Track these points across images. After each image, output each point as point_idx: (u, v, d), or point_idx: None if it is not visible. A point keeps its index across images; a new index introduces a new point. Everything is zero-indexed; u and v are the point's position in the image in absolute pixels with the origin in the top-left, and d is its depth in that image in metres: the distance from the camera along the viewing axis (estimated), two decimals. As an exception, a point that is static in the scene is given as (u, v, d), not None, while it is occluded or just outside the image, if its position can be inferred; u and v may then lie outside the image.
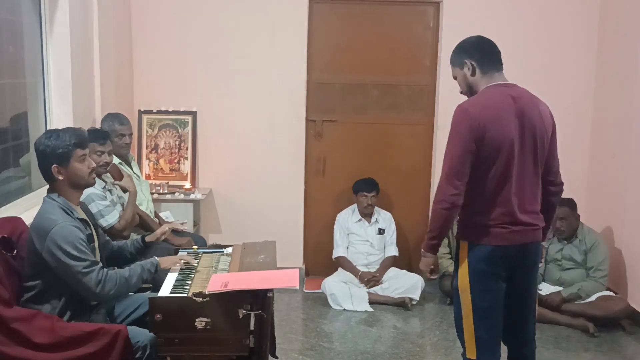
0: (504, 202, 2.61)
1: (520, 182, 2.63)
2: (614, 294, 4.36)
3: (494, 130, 2.55)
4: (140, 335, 2.56)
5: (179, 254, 3.07)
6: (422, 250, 2.77)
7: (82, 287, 2.55)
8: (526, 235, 2.68)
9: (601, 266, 4.29)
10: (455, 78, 2.79)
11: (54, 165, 2.63)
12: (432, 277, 2.90)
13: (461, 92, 2.81)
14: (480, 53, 2.70)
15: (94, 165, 2.77)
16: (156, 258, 2.80)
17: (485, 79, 2.68)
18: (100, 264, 2.62)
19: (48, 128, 3.76)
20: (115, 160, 3.83)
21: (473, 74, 2.69)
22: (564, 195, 4.29)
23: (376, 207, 4.92)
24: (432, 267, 2.82)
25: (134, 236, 3.85)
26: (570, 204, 4.35)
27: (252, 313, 2.50)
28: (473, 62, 2.69)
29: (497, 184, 2.60)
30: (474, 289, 2.66)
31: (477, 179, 2.59)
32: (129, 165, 4.08)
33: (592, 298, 4.28)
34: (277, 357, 3.01)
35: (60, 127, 2.95)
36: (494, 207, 2.61)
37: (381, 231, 4.89)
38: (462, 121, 2.57)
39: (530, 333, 2.84)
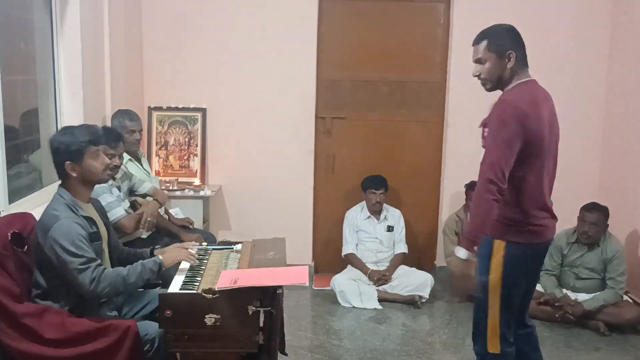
0: (543, 200, 2.66)
1: (548, 179, 2.68)
2: (630, 301, 4.31)
3: (535, 127, 2.55)
4: (149, 328, 2.57)
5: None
6: (465, 249, 2.59)
7: (76, 284, 2.53)
8: (553, 230, 2.76)
9: (620, 277, 4.22)
10: (480, 62, 2.67)
11: (68, 161, 2.64)
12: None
13: (479, 77, 2.69)
14: (522, 47, 2.66)
15: (108, 161, 2.77)
16: (160, 257, 2.75)
17: (519, 74, 2.65)
18: (99, 261, 2.57)
19: (59, 125, 3.78)
20: (125, 156, 3.83)
21: (512, 66, 2.63)
22: (598, 201, 4.32)
23: (385, 205, 4.91)
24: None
25: (144, 233, 3.87)
26: (605, 212, 4.26)
27: (262, 310, 2.51)
28: (516, 54, 2.62)
29: (536, 182, 2.62)
30: (506, 286, 2.67)
31: (520, 177, 2.57)
32: (139, 161, 4.09)
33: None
34: (286, 354, 3.02)
35: (70, 124, 2.95)
36: (535, 205, 2.63)
37: (390, 228, 4.88)
38: (511, 113, 2.51)
39: (527, 312, 2.94)
